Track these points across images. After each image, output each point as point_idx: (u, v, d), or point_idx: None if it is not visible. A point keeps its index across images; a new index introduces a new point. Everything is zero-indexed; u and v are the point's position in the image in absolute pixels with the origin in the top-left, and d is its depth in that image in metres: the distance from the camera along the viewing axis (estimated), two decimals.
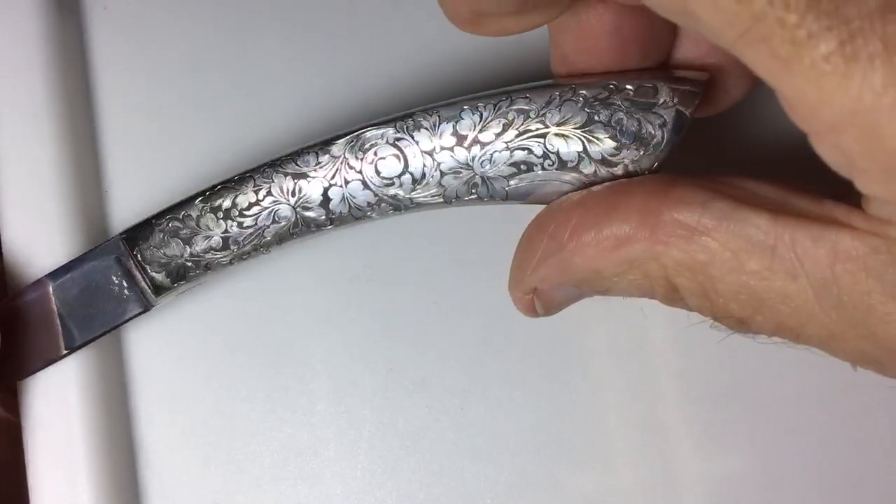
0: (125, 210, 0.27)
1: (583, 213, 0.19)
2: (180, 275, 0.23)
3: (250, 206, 0.23)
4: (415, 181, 0.22)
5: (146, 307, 0.24)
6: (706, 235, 0.17)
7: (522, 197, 0.21)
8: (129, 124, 0.27)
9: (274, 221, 0.23)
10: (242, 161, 0.27)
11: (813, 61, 0.13)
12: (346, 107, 0.27)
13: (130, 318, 0.24)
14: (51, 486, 0.24)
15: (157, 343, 0.27)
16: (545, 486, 0.25)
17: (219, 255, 0.23)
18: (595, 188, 0.20)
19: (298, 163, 0.22)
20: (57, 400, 0.25)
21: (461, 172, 0.21)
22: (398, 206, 0.22)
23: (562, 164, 0.21)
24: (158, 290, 0.24)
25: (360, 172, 0.22)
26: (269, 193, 0.23)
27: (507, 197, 0.21)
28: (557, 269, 0.20)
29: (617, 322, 0.26)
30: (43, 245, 0.25)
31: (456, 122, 0.21)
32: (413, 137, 0.21)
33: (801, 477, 0.25)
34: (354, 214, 0.22)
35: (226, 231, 0.23)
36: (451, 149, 0.21)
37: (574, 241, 0.19)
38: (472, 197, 0.22)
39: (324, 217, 0.22)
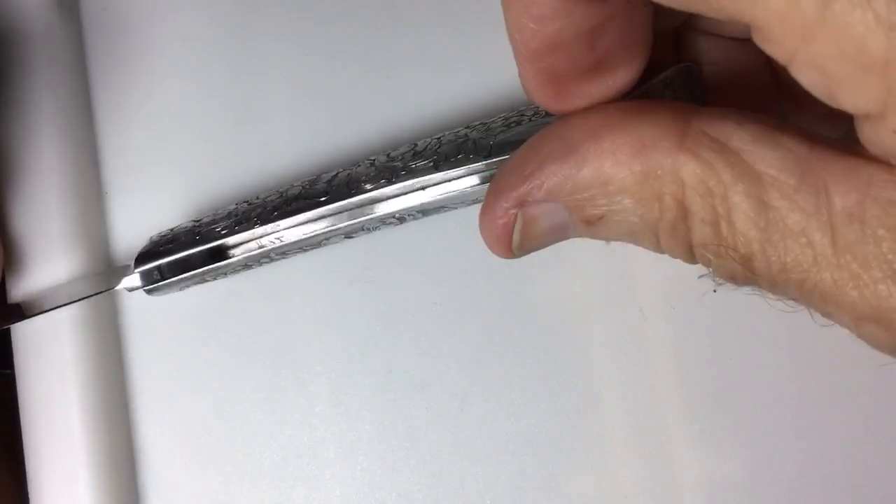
0: (125, 211, 0.27)
1: (604, 116, 0.18)
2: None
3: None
4: (416, 154, 0.23)
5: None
6: (735, 154, 0.16)
7: (507, 148, 0.21)
8: (129, 124, 0.27)
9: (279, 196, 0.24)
10: (244, 160, 0.27)
11: None
12: (347, 117, 0.27)
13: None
14: (50, 488, 0.24)
15: (156, 345, 0.27)
16: (544, 487, 0.25)
17: (218, 225, 0.24)
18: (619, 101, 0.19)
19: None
20: (58, 401, 0.25)
21: (455, 140, 0.22)
22: (392, 172, 0.22)
23: (549, 115, 0.20)
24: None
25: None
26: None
27: (490, 151, 0.21)
28: (560, 175, 0.18)
29: (616, 324, 0.26)
30: (44, 246, 0.25)
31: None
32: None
33: (800, 478, 0.25)
34: (351, 187, 0.23)
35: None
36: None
37: (590, 144, 0.17)
38: (460, 156, 0.22)
39: (322, 187, 0.23)
